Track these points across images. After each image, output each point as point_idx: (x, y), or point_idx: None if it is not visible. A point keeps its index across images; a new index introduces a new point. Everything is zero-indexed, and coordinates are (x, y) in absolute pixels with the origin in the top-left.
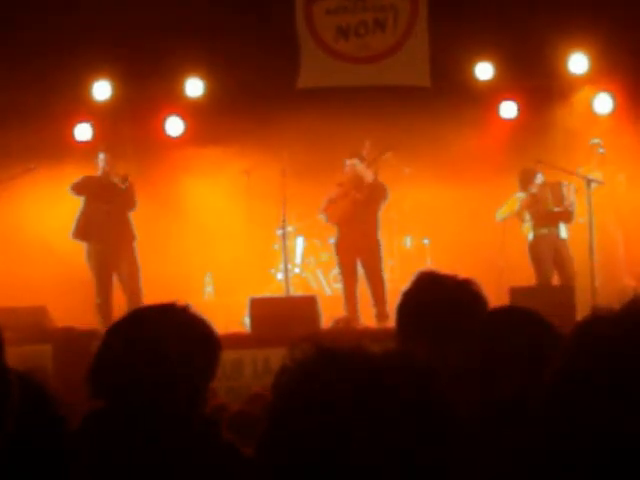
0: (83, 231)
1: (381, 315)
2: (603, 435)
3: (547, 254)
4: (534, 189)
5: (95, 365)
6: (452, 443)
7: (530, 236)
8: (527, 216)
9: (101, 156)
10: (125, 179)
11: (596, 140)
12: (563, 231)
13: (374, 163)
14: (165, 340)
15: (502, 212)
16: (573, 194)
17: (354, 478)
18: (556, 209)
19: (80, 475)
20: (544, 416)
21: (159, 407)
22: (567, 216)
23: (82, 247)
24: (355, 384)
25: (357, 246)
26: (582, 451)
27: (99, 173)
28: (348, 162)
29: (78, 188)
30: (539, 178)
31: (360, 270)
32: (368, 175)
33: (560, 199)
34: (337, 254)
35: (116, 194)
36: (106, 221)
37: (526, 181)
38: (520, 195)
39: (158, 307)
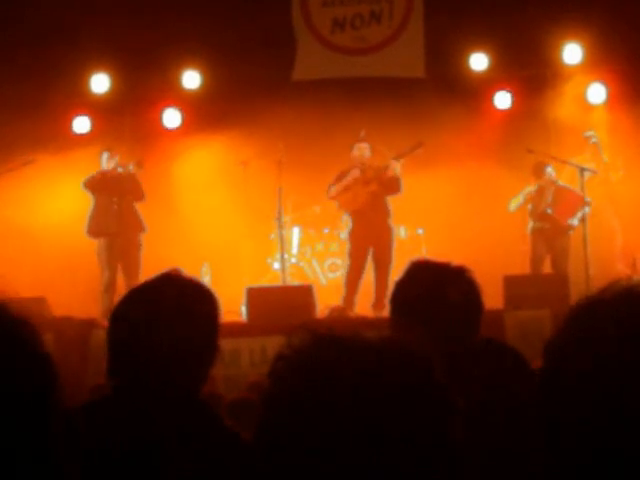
0: (96, 228)
1: (378, 304)
2: (599, 432)
3: (540, 248)
4: (543, 183)
5: (108, 348)
6: (452, 428)
7: (529, 227)
8: (530, 207)
9: (104, 156)
10: (140, 163)
11: (589, 132)
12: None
13: (403, 157)
14: (160, 318)
15: (513, 202)
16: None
17: (354, 463)
18: (549, 210)
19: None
20: (537, 414)
21: (157, 386)
22: (564, 228)
23: (83, 238)
24: (353, 369)
25: (372, 235)
26: (579, 447)
27: (106, 169)
28: (362, 145)
29: (91, 184)
30: (549, 171)
31: (368, 260)
32: (397, 169)
33: (567, 210)
34: (350, 242)
35: (124, 187)
36: (116, 214)
37: (537, 174)
38: (529, 188)
39: (154, 283)
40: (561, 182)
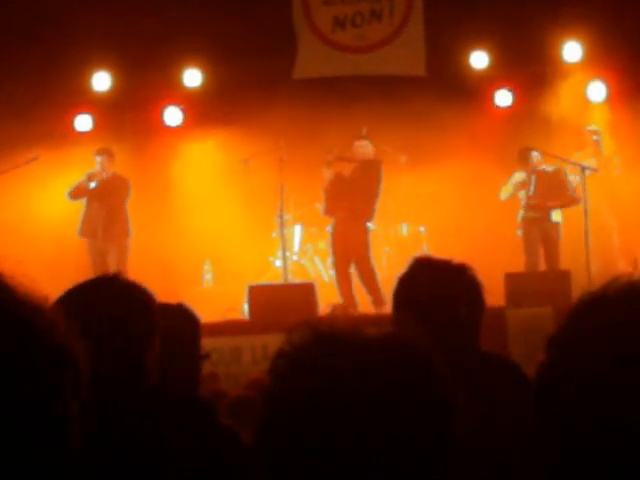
0: (82, 229)
1: (377, 301)
2: (601, 430)
3: (534, 237)
4: (531, 169)
5: None
6: (453, 427)
7: (520, 216)
8: (521, 195)
9: (98, 159)
10: (93, 178)
11: (591, 127)
12: (554, 214)
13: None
14: (93, 312)
15: (504, 191)
16: (573, 180)
17: (354, 461)
18: (532, 202)
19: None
20: (536, 413)
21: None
22: (569, 203)
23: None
24: (353, 366)
25: (344, 234)
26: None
27: (87, 174)
28: (357, 143)
29: (73, 195)
30: (535, 157)
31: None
32: (326, 174)
33: (559, 188)
34: (331, 242)
35: (106, 191)
36: (100, 218)
37: (522, 160)
38: (517, 174)
39: (88, 282)
40: (547, 165)
